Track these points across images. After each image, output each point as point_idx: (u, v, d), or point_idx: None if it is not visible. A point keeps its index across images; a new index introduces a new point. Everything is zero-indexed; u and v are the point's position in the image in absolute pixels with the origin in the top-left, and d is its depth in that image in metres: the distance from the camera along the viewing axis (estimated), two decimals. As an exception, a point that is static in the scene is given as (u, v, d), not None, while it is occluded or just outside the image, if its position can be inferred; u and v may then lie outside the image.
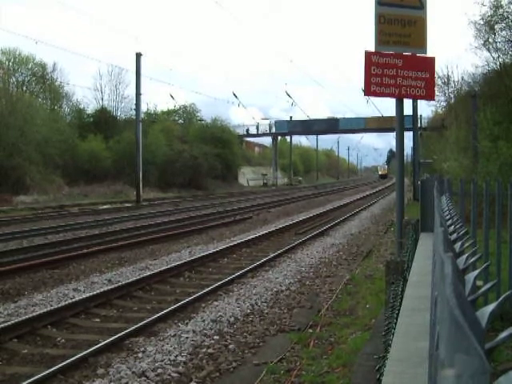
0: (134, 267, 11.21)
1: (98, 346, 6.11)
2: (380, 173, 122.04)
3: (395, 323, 2.52)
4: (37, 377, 5.16)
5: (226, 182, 54.31)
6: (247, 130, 64.86)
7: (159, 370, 5.53)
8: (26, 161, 34.68)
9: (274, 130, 65.82)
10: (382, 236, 16.44)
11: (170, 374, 5.46)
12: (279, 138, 71.13)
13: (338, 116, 66.91)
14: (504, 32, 19.45)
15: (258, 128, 65.52)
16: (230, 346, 6.37)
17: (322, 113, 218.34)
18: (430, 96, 7.93)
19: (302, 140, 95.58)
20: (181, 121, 60.64)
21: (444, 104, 32.93)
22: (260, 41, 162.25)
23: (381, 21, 7.25)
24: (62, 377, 5.38)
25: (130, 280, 9.54)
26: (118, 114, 52.67)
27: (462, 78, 29.61)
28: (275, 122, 66.93)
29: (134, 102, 35.79)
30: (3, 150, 33.64)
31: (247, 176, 64.23)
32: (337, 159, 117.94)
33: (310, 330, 7.05)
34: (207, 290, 9.00)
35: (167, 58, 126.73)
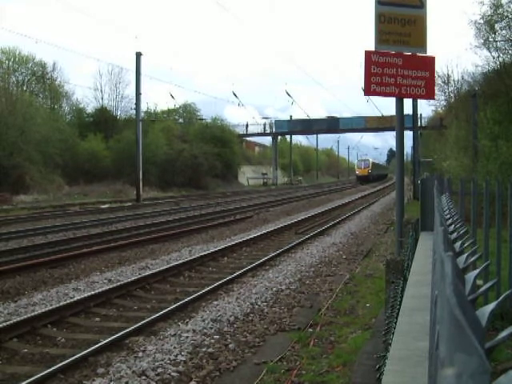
0: (134, 266, 11.21)
1: (98, 345, 6.11)
2: (358, 173, 75.43)
3: (395, 322, 2.53)
4: (37, 376, 5.16)
5: (225, 182, 54.35)
6: (247, 126, 64.80)
7: (159, 370, 5.53)
8: (26, 160, 34.71)
9: (274, 130, 65.87)
10: (382, 235, 16.44)
11: (170, 374, 5.46)
12: (279, 137, 71.15)
13: (335, 115, 66.91)
14: (504, 31, 19.43)
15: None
16: (230, 346, 6.37)
17: (318, 112, 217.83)
18: (429, 95, 7.93)
19: (302, 139, 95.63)
20: (181, 120, 60.67)
21: (444, 103, 32.94)
22: (259, 40, 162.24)
23: (381, 20, 7.25)
24: (62, 376, 5.38)
25: (130, 279, 9.53)
26: (118, 113, 52.83)
27: (462, 78, 29.61)
28: (275, 122, 66.99)
29: (134, 101, 35.82)
30: (3, 149, 33.67)
31: (247, 175, 64.26)
32: (337, 159, 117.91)
33: (310, 330, 7.06)
34: (207, 289, 9.00)
35: (167, 57, 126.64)
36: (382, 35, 7.28)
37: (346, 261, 12.31)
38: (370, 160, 78.20)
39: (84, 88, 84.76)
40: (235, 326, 7.20)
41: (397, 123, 7.79)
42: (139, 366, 5.59)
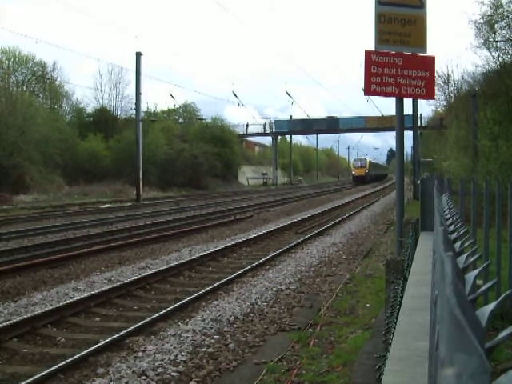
0: (134, 266, 11.21)
1: (98, 345, 6.11)
2: (354, 173, 71.75)
3: (395, 322, 2.53)
4: (37, 376, 5.16)
5: (225, 181, 54.35)
6: (247, 126, 64.80)
7: (159, 370, 5.53)
8: (26, 160, 34.72)
9: (274, 130, 65.89)
10: (382, 235, 16.44)
11: (170, 374, 5.46)
12: (279, 137, 71.14)
13: (335, 115, 66.82)
14: (504, 31, 19.42)
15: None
16: (230, 346, 6.37)
17: (318, 112, 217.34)
18: (429, 95, 7.94)
19: (302, 139, 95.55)
20: (181, 120, 60.67)
21: (444, 103, 32.94)
22: (259, 40, 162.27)
23: (381, 20, 7.25)
24: (62, 376, 5.39)
25: (130, 279, 9.54)
26: (118, 113, 52.82)
27: (462, 77, 29.62)
28: (275, 122, 66.99)
29: (134, 101, 35.82)
30: (3, 149, 33.67)
31: (247, 175, 64.26)
32: (337, 159, 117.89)
33: (310, 329, 7.06)
34: (207, 289, 9.00)
35: (167, 57, 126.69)
36: (382, 35, 7.28)
37: (345, 261, 12.31)
38: (367, 159, 74.42)
39: (84, 88, 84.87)
40: (235, 325, 7.20)
41: (397, 123, 7.79)
42: (139, 365, 5.59)
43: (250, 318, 7.60)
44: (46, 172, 36.54)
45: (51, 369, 5.37)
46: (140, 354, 5.98)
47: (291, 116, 67.77)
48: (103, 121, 49.02)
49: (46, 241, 14.49)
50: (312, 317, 7.61)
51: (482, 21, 19.35)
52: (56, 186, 36.24)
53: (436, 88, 25.53)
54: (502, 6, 18.68)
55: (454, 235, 1.94)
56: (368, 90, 7.33)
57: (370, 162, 73.79)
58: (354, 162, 74.99)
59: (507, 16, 18.77)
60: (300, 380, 5.32)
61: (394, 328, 2.35)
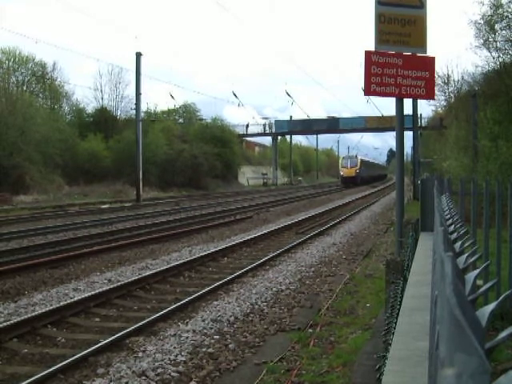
0: (134, 267, 11.21)
1: (98, 345, 6.11)
2: (343, 174, 59.81)
3: (395, 322, 2.53)
4: (37, 376, 5.16)
5: (225, 182, 54.34)
6: (247, 126, 64.81)
7: (159, 370, 5.53)
8: (26, 160, 34.71)
9: (274, 130, 65.92)
10: (382, 235, 16.44)
11: (170, 374, 5.46)
12: (279, 137, 71.17)
13: (335, 115, 66.70)
14: (504, 31, 19.42)
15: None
16: (230, 346, 6.37)
17: (318, 112, 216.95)
18: (430, 95, 7.94)
19: (302, 140, 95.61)
20: (181, 120, 60.69)
21: (444, 103, 32.95)
22: (259, 40, 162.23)
23: (381, 20, 7.25)
24: (62, 376, 5.38)
25: (130, 279, 9.53)
26: (118, 113, 52.80)
27: (462, 78, 29.64)
28: (275, 122, 67.00)
29: (134, 101, 35.81)
30: (3, 149, 33.67)
31: (247, 175, 64.24)
32: (337, 159, 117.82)
33: (310, 330, 7.06)
34: (207, 289, 8.99)
35: (167, 57, 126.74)
36: (382, 35, 7.29)
37: (346, 261, 12.31)
38: (359, 157, 62.92)
39: (84, 88, 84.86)
40: (235, 326, 7.20)
41: (397, 123, 7.79)
42: (139, 366, 5.59)
43: (250, 318, 7.60)
44: (46, 172, 36.54)
45: (51, 369, 5.37)
46: (140, 354, 5.98)
47: (291, 116, 67.81)
48: (103, 121, 49.02)
49: (46, 241, 14.48)
50: (312, 317, 7.61)
51: (482, 21, 19.36)
52: (56, 186, 36.23)
53: (436, 88, 25.53)
54: (501, 6, 18.69)
55: (454, 235, 1.94)
56: (368, 91, 7.34)
57: (361, 160, 62.12)
58: (343, 161, 61.58)
59: (507, 16, 18.77)
60: (300, 380, 5.32)
61: (394, 328, 2.35)
